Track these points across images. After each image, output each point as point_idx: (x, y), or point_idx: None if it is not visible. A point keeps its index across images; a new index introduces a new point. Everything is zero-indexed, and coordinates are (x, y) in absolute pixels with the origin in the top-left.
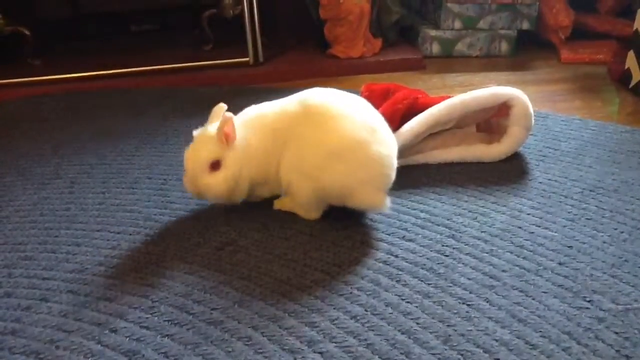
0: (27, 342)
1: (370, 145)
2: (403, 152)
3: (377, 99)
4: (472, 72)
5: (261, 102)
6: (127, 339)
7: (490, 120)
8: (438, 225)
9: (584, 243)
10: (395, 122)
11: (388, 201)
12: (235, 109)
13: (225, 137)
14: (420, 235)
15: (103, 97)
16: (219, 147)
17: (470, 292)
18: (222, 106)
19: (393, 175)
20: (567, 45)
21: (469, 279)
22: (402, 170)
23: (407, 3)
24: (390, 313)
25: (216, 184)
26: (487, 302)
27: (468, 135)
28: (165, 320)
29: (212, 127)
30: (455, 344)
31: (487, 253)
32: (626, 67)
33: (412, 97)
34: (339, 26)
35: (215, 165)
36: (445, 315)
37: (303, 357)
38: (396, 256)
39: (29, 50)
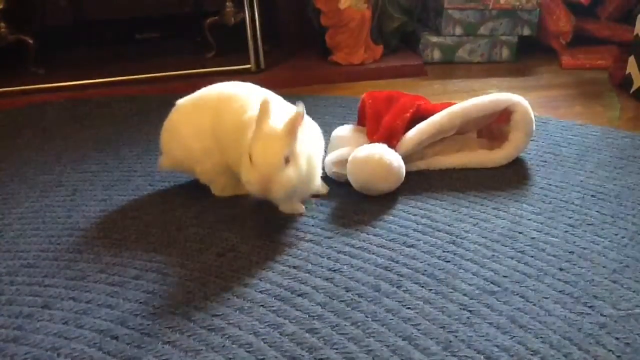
0: (29, 349)
1: None
2: (405, 159)
3: (380, 106)
4: (473, 78)
5: None
6: (129, 345)
7: (491, 126)
8: (439, 231)
9: (585, 248)
10: (403, 131)
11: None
12: None
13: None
14: (421, 241)
15: (106, 105)
16: (290, 141)
17: (471, 298)
18: (268, 101)
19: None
20: (568, 50)
21: (469, 284)
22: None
23: (408, 10)
24: (390, 319)
25: (289, 180)
26: (488, 308)
27: (469, 141)
28: (166, 327)
29: (272, 122)
30: (456, 350)
31: (488, 259)
32: (627, 72)
33: (415, 105)
34: (340, 33)
35: (287, 160)
36: (446, 321)
37: None
38: (397, 262)
39: (32, 58)
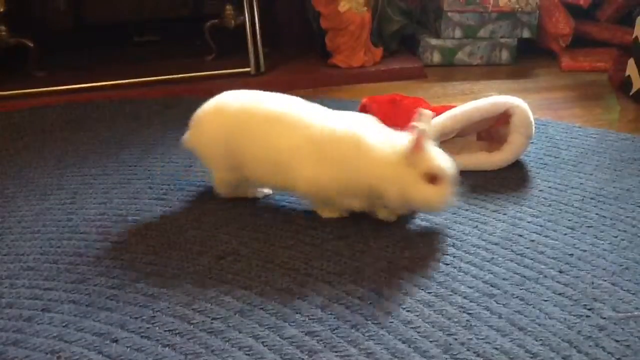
0: (29, 352)
1: None
2: None
3: (384, 108)
4: (473, 81)
5: None
6: (128, 349)
7: (491, 129)
8: (439, 233)
9: (585, 251)
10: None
11: None
12: None
13: None
14: (421, 245)
15: (105, 108)
16: None
17: (471, 301)
18: (429, 114)
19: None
20: (568, 53)
21: (469, 287)
22: None
23: (408, 12)
24: (390, 322)
25: None
26: (488, 310)
27: (469, 144)
28: (166, 330)
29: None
30: (455, 353)
31: (487, 261)
32: (626, 74)
33: (418, 106)
34: (339, 36)
35: None
36: (445, 324)
37: None
38: (396, 265)
39: (32, 62)
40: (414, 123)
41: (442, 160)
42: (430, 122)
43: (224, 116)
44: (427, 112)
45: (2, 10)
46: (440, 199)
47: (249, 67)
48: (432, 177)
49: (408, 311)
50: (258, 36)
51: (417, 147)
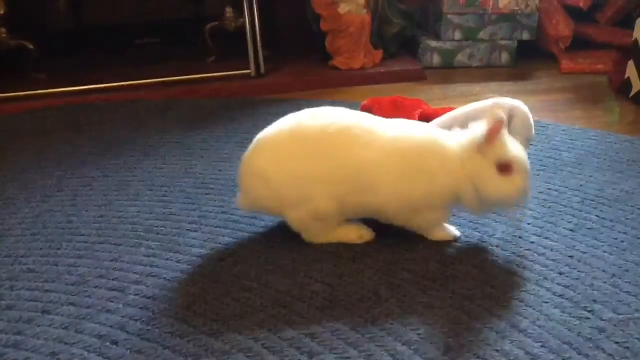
0: (29, 354)
1: None
2: None
3: (386, 110)
4: (473, 83)
5: (262, 113)
6: (128, 350)
7: None
8: None
9: (585, 253)
10: None
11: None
12: (236, 120)
13: None
14: (421, 246)
15: (105, 110)
16: None
17: (471, 302)
18: (501, 105)
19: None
20: (567, 55)
21: (469, 289)
22: None
23: (408, 14)
24: (390, 324)
25: None
26: (488, 312)
27: None
28: (166, 332)
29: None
30: (455, 355)
31: (487, 263)
32: (626, 76)
33: (419, 107)
34: (339, 38)
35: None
36: (445, 326)
37: None
38: (396, 266)
39: (32, 64)
40: (491, 113)
41: (516, 150)
42: (505, 112)
43: (294, 145)
44: (501, 103)
45: (2, 12)
46: (514, 191)
47: (249, 69)
48: (505, 167)
49: (408, 313)
50: (258, 38)
51: (491, 135)
